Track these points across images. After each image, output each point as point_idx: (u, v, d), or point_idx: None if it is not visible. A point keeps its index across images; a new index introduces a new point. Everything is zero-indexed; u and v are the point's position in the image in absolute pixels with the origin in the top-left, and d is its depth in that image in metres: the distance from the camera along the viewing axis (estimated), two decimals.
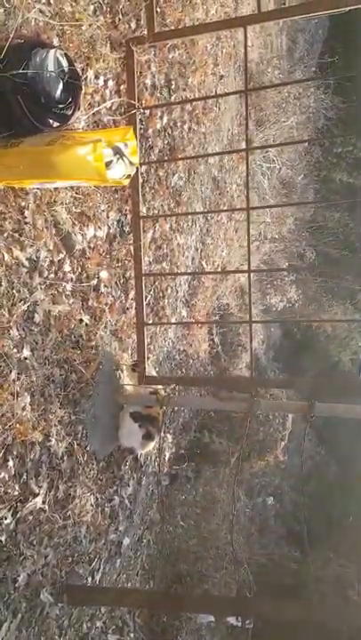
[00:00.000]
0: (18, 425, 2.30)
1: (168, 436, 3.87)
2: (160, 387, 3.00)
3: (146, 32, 3.20)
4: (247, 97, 2.62)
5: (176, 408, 3.57)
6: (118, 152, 2.31)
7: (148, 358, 3.17)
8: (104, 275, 3.22)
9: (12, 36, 2.17)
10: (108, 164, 2.26)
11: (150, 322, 3.50)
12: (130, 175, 2.42)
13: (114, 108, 3.16)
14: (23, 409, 2.39)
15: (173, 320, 3.91)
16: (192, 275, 4.19)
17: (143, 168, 3.53)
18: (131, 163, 2.37)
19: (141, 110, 3.18)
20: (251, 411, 2.84)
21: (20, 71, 2.01)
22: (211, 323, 4.46)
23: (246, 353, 5.46)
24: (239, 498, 5.06)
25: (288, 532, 6.96)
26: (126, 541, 3.61)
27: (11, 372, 2.30)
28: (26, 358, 2.41)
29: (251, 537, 5.99)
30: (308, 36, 10.57)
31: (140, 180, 3.35)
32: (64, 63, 2.26)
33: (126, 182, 2.44)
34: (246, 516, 5.96)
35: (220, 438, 4.45)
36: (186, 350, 4.07)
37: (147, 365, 2.98)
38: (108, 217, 3.22)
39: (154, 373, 3.24)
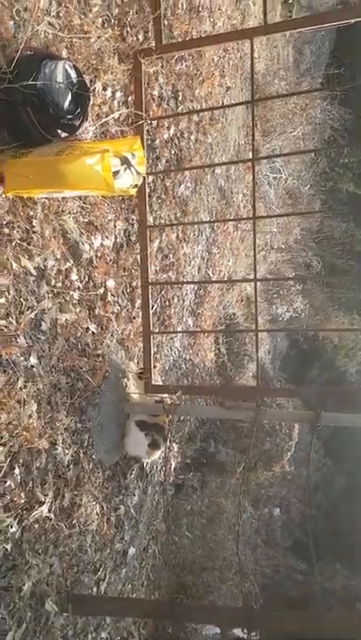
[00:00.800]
0: (24, 433, 2.31)
1: (174, 445, 3.86)
2: (166, 395, 3.00)
3: (153, 44, 3.25)
4: (253, 108, 2.64)
5: (182, 417, 3.57)
6: (126, 162, 2.33)
7: (155, 367, 3.18)
8: (111, 283, 3.24)
9: (21, 47, 2.20)
10: (115, 174, 2.28)
11: (157, 330, 3.50)
12: (137, 185, 2.44)
13: (121, 118, 3.20)
14: (30, 417, 2.40)
15: (180, 329, 3.92)
16: (198, 284, 4.20)
17: (150, 178, 3.57)
18: (138, 172, 2.40)
19: (148, 121, 3.21)
20: (257, 420, 2.83)
21: (30, 82, 2.03)
22: (217, 332, 4.46)
23: (252, 362, 5.45)
24: (245, 508, 5.03)
25: (294, 543, 6.90)
26: (132, 551, 3.59)
27: (18, 379, 2.31)
28: (33, 366, 2.42)
29: (257, 548, 5.94)
30: (314, 47, 10.64)
31: (147, 190, 3.38)
32: (73, 75, 2.30)
33: (133, 192, 2.46)
34: (252, 526, 5.92)
35: (226, 448, 4.44)
36: (192, 359, 4.07)
37: (153, 374, 2.98)
38: (115, 226, 3.24)
39: (160, 382, 3.24)
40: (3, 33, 2.29)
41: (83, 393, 2.73)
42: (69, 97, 2.28)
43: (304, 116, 7.13)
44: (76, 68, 2.34)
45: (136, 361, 3.25)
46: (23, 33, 2.42)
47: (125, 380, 3.08)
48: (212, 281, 4.37)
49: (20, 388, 2.34)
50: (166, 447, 3.25)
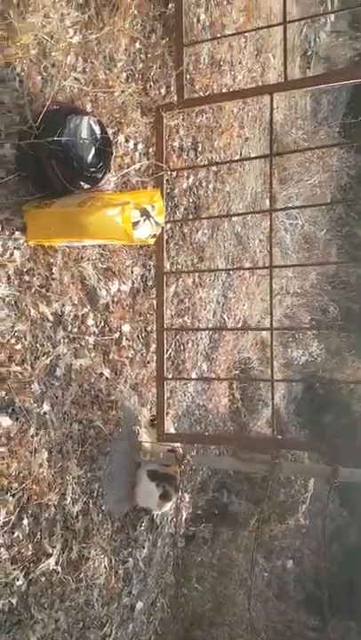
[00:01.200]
0: (34, 486, 2.27)
1: (185, 495, 3.77)
2: (178, 445, 2.95)
3: (175, 98, 3.36)
4: (271, 161, 2.69)
5: (194, 467, 3.50)
6: (145, 213, 2.38)
7: (167, 414, 3.14)
8: (126, 328, 3.25)
9: (48, 103, 2.28)
10: (135, 224, 2.32)
11: (170, 376, 3.48)
12: (155, 235, 2.48)
13: (142, 169, 3.28)
14: (40, 466, 2.37)
15: (194, 374, 3.90)
16: (213, 330, 4.20)
17: (168, 226, 3.62)
18: (157, 223, 2.44)
19: (169, 172, 3.29)
20: (272, 474, 2.76)
21: (56, 138, 2.10)
22: (231, 379, 4.42)
23: (267, 407, 5.37)
24: (257, 561, 4.85)
25: (308, 598, 6.60)
26: (139, 605, 3.46)
27: (30, 427, 2.29)
28: (45, 413, 2.40)
29: (268, 602, 5.69)
30: (331, 97, 10.92)
31: (165, 237, 3.43)
32: (97, 130, 2.37)
33: (152, 241, 2.50)
34: (264, 579, 5.69)
35: (239, 499, 4.31)
36: (205, 405, 4.02)
37: (165, 421, 2.94)
38: (132, 272, 3.28)
39: (172, 430, 3.19)
40: (31, 88, 2.39)
41: (94, 441, 2.70)
42: (93, 151, 2.35)
43: (321, 165, 7.25)
44: (100, 122, 2.42)
45: (149, 407, 3.22)
46: (50, 88, 2.52)
47: (138, 427, 3.04)
48: (227, 328, 4.37)
49: (32, 436, 2.32)
50: (177, 498, 3.17)
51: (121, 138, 3.12)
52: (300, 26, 7.96)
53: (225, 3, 4.44)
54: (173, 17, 3.36)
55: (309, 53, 8.74)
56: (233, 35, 4.17)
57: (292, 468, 3.18)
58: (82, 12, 2.67)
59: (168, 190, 3.62)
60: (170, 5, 3.36)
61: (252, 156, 5.09)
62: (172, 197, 3.71)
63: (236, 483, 4.07)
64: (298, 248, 7.28)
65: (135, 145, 3.25)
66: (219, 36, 3.99)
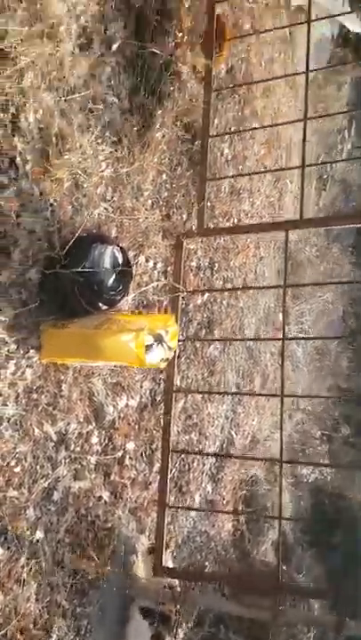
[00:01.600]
0: (19, 622, 2.10)
1: (179, 630, 3.44)
2: (176, 581, 2.74)
3: (196, 223, 3.54)
4: (285, 292, 2.77)
5: (191, 607, 3.23)
6: (159, 338, 2.41)
7: (167, 547, 2.97)
8: (130, 446, 3.17)
9: (77, 234, 2.40)
10: (148, 347, 2.35)
11: (173, 500, 3.33)
12: (168, 359, 2.50)
13: (159, 286, 3.39)
14: (27, 599, 2.20)
15: (198, 496, 3.74)
16: (220, 456, 4.10)
17: (180, 343, 3.66)
18: (169, 348, 2.46)
19: (185, 293, 3.39)
20: (275, 621, 2.53)
21: (79, 270, 2.18)
22: (237, 513, 4.24)
23: (273, 530, 5.07)
24: None
25: None
26: None
27: (20, 557, 2.17)
28: (38, 541, 2.28)
29: None
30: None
31: (177, 351, 3.45)
32: (120, 259, 2.47)
33: (163, 365, 2.51)
34: None
35: (237, 636, 3.93)
36: (208, 532, 3.81)
37: (164, 554, 2.76)
38: (141, 386, 3.26)
39: (171, 562, 2.99)
40: (61, 216, 2.54)
41: (86, 573, 2.53)
42: (113, 276, 2.44)
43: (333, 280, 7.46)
44: (123, 251, 2.53)
45: (147, 534, 3.05)
46: (80, 216, 2.68)
47: (134, 556, 2.86)
48: (235, 456, 4.28)
49: (22, 566, 2.18)
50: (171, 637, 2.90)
51: (142, 258, 3.26)
52: (316, 152, 8.59)
53: (248, 137, 4.83)
54: (199, 152, 3.64)
55: (325, 176, 9.35)
56: (254, 173, 4.50)
57: (296, 615, 2.92)
58: (115, 149, 2.91)
59: (183, 305, 3.71)
60: (196, 142, 3.66)
61: (266, 274, 5.26)
62: (187, 313, 3.79)
63: (235, 620, 3.72)
64: (310, 359, 7.28)
65: (155, 264, 3.39)
66: (241, 172, 4.31)
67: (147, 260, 3.31)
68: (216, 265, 4.11)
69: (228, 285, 4.33)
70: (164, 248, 3.40)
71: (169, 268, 3.48)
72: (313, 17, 3.34)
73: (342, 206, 10.34)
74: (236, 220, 4.53)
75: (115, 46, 2.81)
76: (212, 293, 4.04)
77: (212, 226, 4.00)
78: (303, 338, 5.82)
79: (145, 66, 3.03)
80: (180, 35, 3.24)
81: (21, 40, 2.05)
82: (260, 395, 4.63)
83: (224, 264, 4.21)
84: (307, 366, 6.87)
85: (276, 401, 5.36)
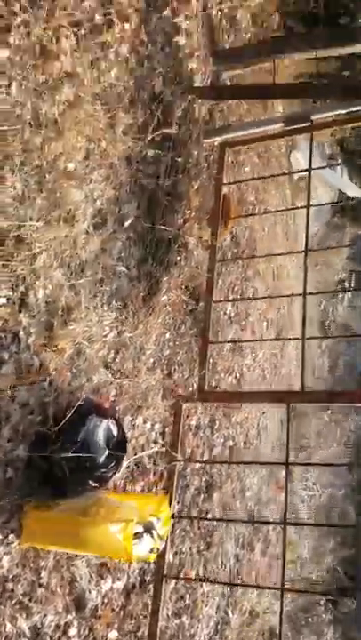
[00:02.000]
0: None
1: None
2: None
3: (197, 381, 3.49)
4: (287, 473, 2.63)
5: None
6: (149, 527, 2.23)
7: None
8: (112, 635, 2.81)
9: (74, 408, 2.32)
10: (136, 535, 2.16)
11: None
12: (158, 549, 2.29)
13: (157, 451, 3.24)
14: None
15: None
16: None
17: (176, 508, 3.41)
18: (160, 537, 2.27)
19: (182, 462, 3.24)
20: None
21: (71, 454, 2.08)
22: None
23: None
24: None
25: None
26: None
27: None
28: None
29: None
30: (348, 357, 11.55)
31: (172, 522, 3.19)
32: (114, 433, 2.38)
33: (153, 558, 2.29)
34: None
35: None
36: None
37: None
38: (129, 566, 2.97)
39: None
40: (59, 384, 2.49)
41: None
42: (106, 453, 2.32)
43: (338, 431, 7.28)
44: (119, 424, 2.45)
45: None
46: (78, 382, 2.63)
47: None
48: None
49: None
50: None
51: (139, 420, 3.16)
52: (318, 299, 8.91)
53: (250, 293, 4.99)
54: (202, 312, 3.72)
55: (327, 322, 9.61)
56: (256, 341, 4.63)
57: None
58: (120, 314, 2.96)
59: (180, 469, 3.52)
60: (200, 304, 3.75)
61: (269, 426, 5.13)
62: (184, 476, 3.59)
63: None
64: (316, 519, 6.80)
65: (152, 425, 3.28)
66: (243, 327, 4.40)
67: (144, 422, 3.21)
68: (217, 423, 3.99)
69: (230, 443, 4.17)
70: (163, 409, 3.32)
71: (167, 429, 3.37)
72: (313, 186, 3.60)
73: (342, 345, 10.46)
74: (238, 375, 4.51)
75: (127, 223, 2.99)
76: (212, 454, 3.88)
77: (213, 383, 3.96)
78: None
79: (154, 239, 3.21)
80: (189, 212, 3.48)
81: (37, 228, 2.16)
82: (260, 587, 4.25)
83: (225, 422, 4.10)
84: (310, 530, 6.36)
85: (276, 570, 4.89)
